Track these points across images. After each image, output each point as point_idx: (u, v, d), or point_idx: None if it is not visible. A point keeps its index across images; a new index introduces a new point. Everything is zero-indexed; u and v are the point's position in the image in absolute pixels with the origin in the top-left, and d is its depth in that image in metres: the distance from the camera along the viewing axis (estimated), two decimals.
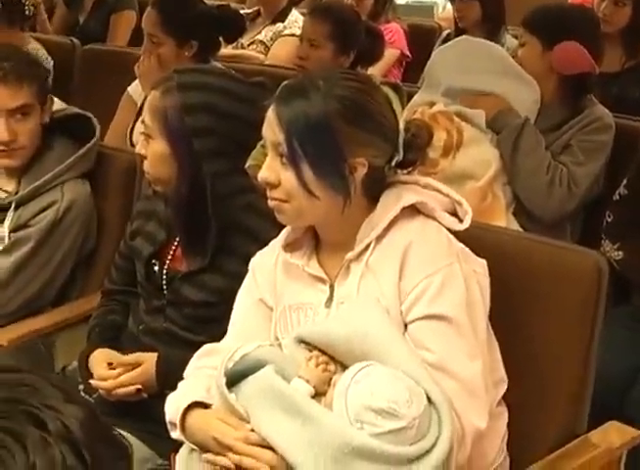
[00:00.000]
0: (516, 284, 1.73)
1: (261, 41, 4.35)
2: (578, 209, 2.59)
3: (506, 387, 1.66)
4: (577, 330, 1.71)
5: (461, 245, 1.60)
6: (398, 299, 1.55)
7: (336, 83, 1.56)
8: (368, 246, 1.58)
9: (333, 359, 1.54)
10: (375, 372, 1.44)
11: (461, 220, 1.62)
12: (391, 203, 1.58)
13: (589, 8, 2.88)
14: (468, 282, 1.55)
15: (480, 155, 2.52)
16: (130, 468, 0.78)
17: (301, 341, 1.57)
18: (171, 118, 1.81)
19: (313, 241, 1.67)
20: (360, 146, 1.54)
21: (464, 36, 2.96)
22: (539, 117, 2.61)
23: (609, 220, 2.46)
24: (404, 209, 1.58)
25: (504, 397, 1.68)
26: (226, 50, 4.36)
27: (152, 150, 1.85)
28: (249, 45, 4.39)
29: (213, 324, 1.80)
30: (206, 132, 1.82)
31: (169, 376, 1.75)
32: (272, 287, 1.68)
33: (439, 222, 1.59)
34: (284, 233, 1.68)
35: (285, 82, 1.63)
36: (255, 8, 4.55)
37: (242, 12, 4.54)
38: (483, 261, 1.63)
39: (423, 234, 1.57)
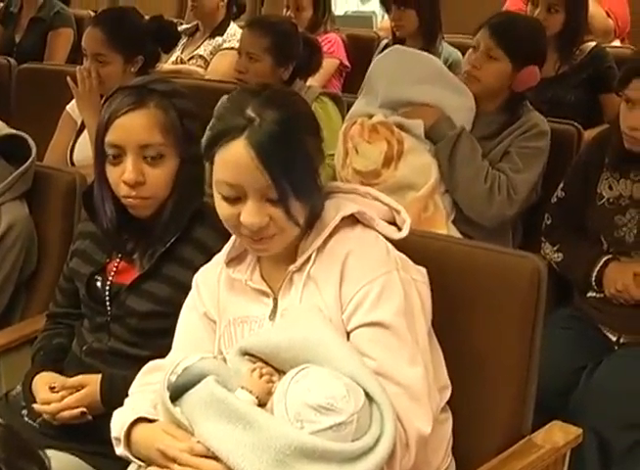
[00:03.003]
0: (457, 290, 1.76)
1: (201, 56, 4.36)
2: (518, 214, 2.64)
3: (450, 393, 1.68)
4: (519, 333, 1.74)
5: (400, 253, 1.62)
6: (339, 307, 1.56)
7: (288, 98, 1.59)
8: (309, 257, 1.59)
9: (277, 370, 1.56)
10: (313, 372, 1.46)
11: (400, 229, 1.65)
12: (331, 213, 1.60)
13: (542, 25, 2.91)
14: (407, 289, 1.57)
15: (420, 165, 2.55)
16: None
17: (245, 353, 1.58)
18: (179, 128, 1.81)
19: (255, 257, 1.68)
20: (320, 155, 1.59)
21: (396, 46, 2.99)
22: (477, 125, 2.66)
23: (548, 223, 2.51)
24: (344, 218, 1.60)
25: (449, 401, 1.69)
26: (166, 65, 4.39)
27: (163, 171, 1.82)
28: (188, 60, 4.41)
29: (160, 337, 1.79)
30: (196, 136, 1.83)
31: (114, 396, 1.75)
32: (215, 302, 1.69)
33: (378, 231, 1.61)
34: (226, 248, 1.68)
35: (224, 124, 1.53)
36: (194, 23, 4.57)
37: (181, 27, 4.58)
38: (423, 269, 1.65)
39: (361, 243, 1.59)
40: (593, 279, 2.36)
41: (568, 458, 1.76)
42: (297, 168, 1.52)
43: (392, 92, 2.63)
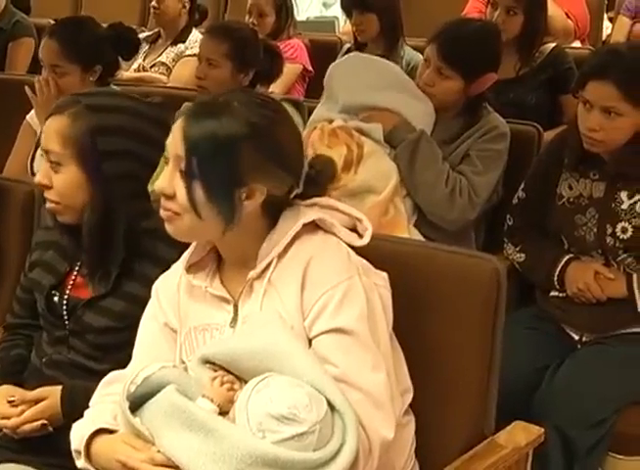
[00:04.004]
0: (418, 293, 1.76)
1: (163, 63, 4.35)
2: (480, 216, 2.65)
3: (412, 395, 1.69)
4: (479, 334, 1.75)
5: (361, 259, 1.62)
6: (301, 314, 1.56)
7: (251, 109, 1.56)
8: (270, 263, 1.59)
9: (238, 378, 1.55)
10: (274, 381, 1.46)
11: (361, 236, 1.64)
12: (292, 220, 1.60)
13: (497, 29, 2.91)
14: (369, 295, 1.57)
15: (380, 168, 2.56)
16: None
17: (206, 361, 1.57)
18: (85, 143, 1.79)
19: (216, 261, 1.68)
20: (262, 174, 1.55)
21: (354, 53, 2.99)
22: (437, 128, 2.66)
23: (509, 224, 2.52)
24: (304, 226, 1.59)
25: (411, 404, 1.70)
26: (129, 73, 4.37)
27: (62, 178, 1.82)
28: (151, 67, 4.39)
29: (118, 351, 1.79)
30: (119, 154, 1.81)
31: (75, 407, 1.73)
32: (176, 309, 1.68)
33: (339, 238, 1.61)
34: (186, 254, 1.68)
35: (201, 98, 1.62)
36: (156, 30, 4.55)
37: (142, 34, 4.56)
38: (384, 274, 1.65)
39: (322, 250, 1.58)
40: (555, 279, 2.37)
41: (530, 458, 1.77)
42: (215, 165, 1.52)
43: (352, 99, 2.64)
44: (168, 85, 4.08)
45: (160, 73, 4.31)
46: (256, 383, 1.47)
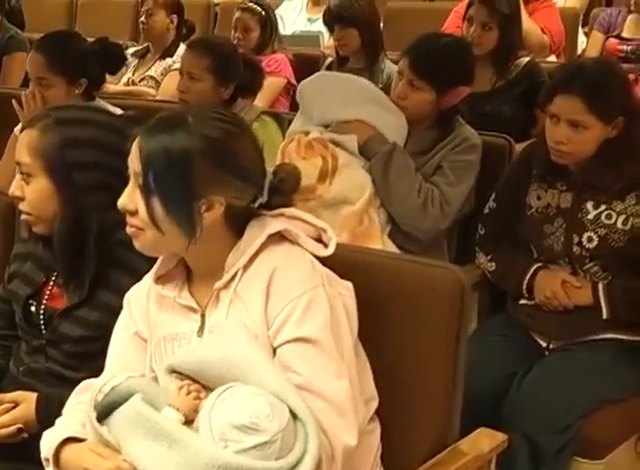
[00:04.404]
0: (384, 302, 1.74)
1: (152, 77, 4.33)
2: (452, 225, 2.63)
3: (377, 403, 1.67)
4: (444, 343, 1.72)
5: (326, 269, 1.60)
6: (266, 324, 1.54)
7: (205, 122, 1.56)
8: (236, 274, 1.58)
9: (205, 387, 1.53)
10: (238, 391, 1.44)
11: (326, 246, 1.63)
12: (257, 231, 1.58)
13: (467, 43, 2.91)
14: (333, 304, 1.55)
15: (355, 179, 2.54)
16: None
17: (173, 370, 1.56)
18: (53, 155, 1.79)
19: (185, 272, 1.66)
20: (219, 186, 1.54)
21: (323, 72, 2.97)
22: (410, 140, 2.65)
23: (481, 233, 2.51)
24: (270, 236, 1.58)
25: (377, 412, 1.68)
26: (118, 86, 4.36)
27: (33, 189, 1.81)
28: (140, 81, 4.37)
29: (94, 360, 1.76)
30: (88, 166, 1.81)
31: (50, 414, 1.71)
32: (146, 319, 1.67)
33: (304, 248, 1.60)
34: (155, 266, 1.66)
35: (158, 114, 1.62)
36: (145, 44, 4.54)
37: (131, 49, 4.55)
38: (349, 284, 1.64)
39: (287, 260, 1.57)
40: (524, 287, 2.35)
41: (493, 464, 1.75)
42: (170, 179, 1.52)
43: (325, 115, 2.62)
44: (156, 98, 4.06)
45: (149, 87, 4.29)
46: (220, 393, 1.45)
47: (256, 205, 1.59)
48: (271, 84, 4.12)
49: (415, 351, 1.74)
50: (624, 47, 4.21)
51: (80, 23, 6.02)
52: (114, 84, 4.36)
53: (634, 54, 3.43)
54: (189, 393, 1.51)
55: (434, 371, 1.73)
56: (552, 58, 4.32)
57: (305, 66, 4.21)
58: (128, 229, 1.58)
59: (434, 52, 2.62)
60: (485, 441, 1.74)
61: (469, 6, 3.56)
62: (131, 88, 4.31)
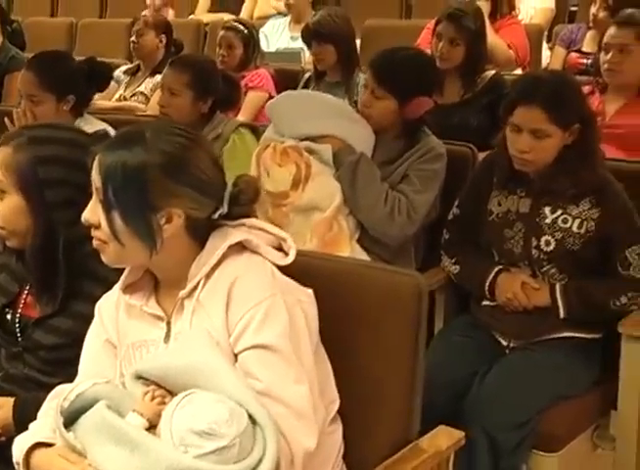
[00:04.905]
0: (345, 307, 1.69)
1: (142, 93, 4.28)
2: (420, 231, 2.57)
3: (338, 405, 1.62)
4: (404, 346, 1.66)
5: (286, 278, 1.55)
6: (227, 331, 1.49)
7: (162, 137, 1.51)
8: (198, 283, 1.53)
9: (170, 392, 1.48)
10: (197, 397, 1.39)
11: (287, 254, 1.57)
12: (219, 242, 1.53)
13: (430, 57, 2.87)
14: (292, 311, 1.50)
15: (326, 187, 2.49)
16: None
17: (139, 376, 1.50)
18: (25, 172, 1.74)
19: (152, 281, 1.61)
20: (177, 198, 1.49)
21: (289, 91, 2.92)
22: (378, 150, 2.60)
23: (446, 238, 2.45)
24: (231, 246, 1.53)
25: (340, 411, 1.63)
26: (110, 102, 4.30)
27: (6, 205, 1.76)
28: (131, 97, 4.33)
29: (70, 365, 1.70)
30: (58, 183, 1.76)
31: (26, 419, 1.65)
32: (116, 327, 1.62)
33: (265, 257, 1.54)
34: (123, 276, 1.61)
35: (119, 130, 1.57)
36: (136, 63, 4.49)
37: (123, 67, 4.49)
38: (309, 291, 1.58)
39: (247, 269, 1.52)
40: (486, 289, 2.30)
41: (452, 460, 1.69)
42: (128, 193, 1.47)
43: (295, 131, 2.56)
44: (146, 113, 4.00)
45: (140, 102, 4.24)
46: (180, 399, 1.40)
47: (217, 215, 1.53)
48: (254, 98, 4.08)
49: (376, 353, 1.68)
50: (584, 61, 4.19)
51: (80, 43, 5.98)
52: (107, 100, 4.32)
53: (593, 67, 3.38)
54: (153, 398, 1.46)
55: (394, 373, 1.67)
56: (518, 71, 4.27)
57: (286, 80, 4.17)
58: (94, 242, 1.53)
59: (394, 63, 2.59)
60: (444, 438, 1.68)
61: (437, 23, 3.51)
62: (122, 104, 4.27)
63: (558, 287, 2.22)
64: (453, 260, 2.41)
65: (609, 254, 2.21)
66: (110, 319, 1.63)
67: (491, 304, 2.31)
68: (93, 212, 1.52)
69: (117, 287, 1.62)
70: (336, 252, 2.41)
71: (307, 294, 1.57)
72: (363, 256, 2.46)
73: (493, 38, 3.97)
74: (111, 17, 6.51)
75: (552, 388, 2.10)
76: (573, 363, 2.17)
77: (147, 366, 1.50)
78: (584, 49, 4.30)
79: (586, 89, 3.12)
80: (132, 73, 4.41)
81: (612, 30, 3.08)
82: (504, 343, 2.26)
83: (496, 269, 2.30)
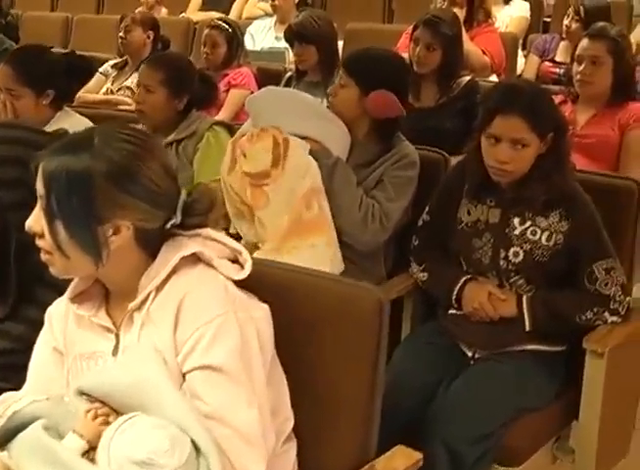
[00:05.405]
0: (303, 321, 1.52)
1: (128, 87, 4.09)
2: (391, 236, 2.38)
3: (292, 423, 1.45)
4: (362, 363, 1.50)
5: (240, 292, 1.37)
6: (175, 349, 1.32)
7: (110, 143, 1.32)
8: (148, 295, 1.35)
9: (114, 411, 1.29)
10: (138, 422, 1.23)
11: (243, 266, 1.39)
12: (171, 253, 1.35)
13: (402, 57, 2.71)
14: (244, 329, 1.32)
15: (305, 164, 2.28)
16: None
17: (82, 393, 1.32)
18: None
19: (103, 290, 1.43)
20: (125, 210, 1.31)
21: (270, 87, 2.73)
22: (353, 153, 2.40)
23: (415, 244, 2.27)
24: (185, 258, 1.34)
25: (295, 430, 1.46)
26: (96, 95, 4.10)
27: None
28: (117, 90, 4.13)
29: (22, 371, 1.53)
30: (12, 183, 1.57)
31: None
32: (64, 335, 1.44)
33: (218, 271, 1.36)
34: (72, 284, 1.43)
35: (68, 135, 1.38)
36: (124, 58, 4.28)
37: (111, 61, 4.29)
38: (264, 306, 1.41)
39: (199, 284, 1.34)
40: (454, 298, 2.12)
41: None
42: (72, 202, 1.28)
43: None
44: (131, 107, 3.79)
45: (126, 96, 4.04)
46: (120, 424, 1.23)
47: (169, 226, 1.35)
48: (236, 96, 3.90)
49: (334, 370, 1.51)
50: (557, 70, 4.06)
51: (75, 38, 5.75)
52: (94, 93, 4.13)
53: (565, 77, 3.22)
54: (96, 417, 1.28)
55: (352, 390, 1.51)
56: (493, 77, 4.09)
57: (268, 79, 3.97)
58: (50, 266, 1.35)
59: (364, 54, 2.46)
60: (402, 459, 1.51)
61: (415, 28, 3.34)
62: (109, 97, 4.07)
63: (525, 299, 2.04)
64: (421, 268, 2.23)
65: (576, 267, 2.04)
66: (59, 327, 1.45)
67: (458, 312, 2.13)
68: (37, 221, 1.33)
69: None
70: (314, 236, 2.22)
71: (262, 308, 1.40)
72: (337, 248, 2.26)
73: (468, 45, 3.80)
74: (108, 13, 6.29)
75: (515, 401, 1.93)
76: (538, 376, 2.00)
77: (91, 383, 1.32)
78: (557, 59, 4.16)
79: (559, 98, 2.97)
80: (120, 68, 4.22)
81: (584, 43, 2.93)
82: (469, 353, 2.08)
83: (464, 279, 2.12)
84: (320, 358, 1.50)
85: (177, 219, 1.34)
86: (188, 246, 1.35)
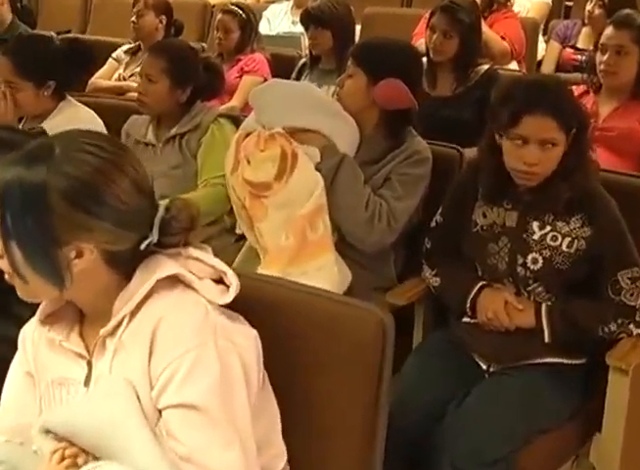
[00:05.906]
0: (299, 344, 1.33)
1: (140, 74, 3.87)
2: (400, 237, 2.18)
3: (285, 459, 1.27)
4: (364, 390, 1.32)
5: (221, 317, 1.19)
6: (149, 382, 1.14)
7: (71, 156, 1.13)
8: (122, 320, 1.17)
9: (83, 451, 1.12)
10: None
11: (228, 287, 1.21)
12: (147, 274, 1.17)
13: (414, 47, 2.50)
14: (225, 360, 1.15)
15: (309, 183, 2.09)
16: None
17: (48, 431, 1.14)
18: None
19: (77, 311, 1.25)
20: (87, 232, 1.12)
21: (277, 80, 2.52)
22: (362, 149, 2.20)
23: (427, 247, 2.07)
24: (163, 279, 1.16)
25: (289, 460, 1.28)
26: (108, 82, 3.92)
27: None
28: (130, 77, 3.93)
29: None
30: None
31: None
32: (35, 359, 1.27)
33: (200, 294, 1.17)
34: (42, 304, 1.24)
35: (31, 142, 1.18)
36: (137, 42, 4.08)
37: (124, 47, 4.09)
38: (252, 331, 1.23)
39: (175, 310, 1.16)
40: (468, 305, 1.92)
41: None
42: (27, 221, 1.10)
43: (281, 119, 2.16)
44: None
45: (138, 82, 3.82)
46: None
47: (143, 246, 1.16)
48: (249, 82, 3.69)
49: (333, 397, 1.33)
50: (579, 57, 3.81)
51: (94, 22, 5.55)
52: (107, 79, 3.94)
53: (587, 65, 2.99)
54: (63, 459, 1.10)
55: (353, 419, 1.32)
56: (514, 64, 3.86)
57: (282, 65, 3.79)
58: (18, 290, 1.18)
59: (373, 43, 2.30)
60: None
61: (432, 15, 3.11)
62: (121, 83, 3.89)
63: (544, 309, 1.84)
64: (434, 272, 2.03)
65: (599, 275, 1.83)
66: (31, 350, 1.28)
67: (472, 321, 1.94)
68: None
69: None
70: (320, 256, 2.04)
71: (248, 336, 1.22)
72: (342, 263, 2.08)
73: (486, 31, 3.58)
74: None
75: (531, 422, 1.74)
76: (555, 392, 1.80)
77: (57, 419, 1.15)
78: (579, 45, 3.93)
79: (580, 89, 2.76)
80: (133, 53, 4.02)
81: (608, 31, 2.69)
82: (484, 366, 1.88)
83: (479, 285, 1.92)
84: (317, 386, 1.32)
85: (154, 238, 1.16)
86: (166, 266, 1.17)
